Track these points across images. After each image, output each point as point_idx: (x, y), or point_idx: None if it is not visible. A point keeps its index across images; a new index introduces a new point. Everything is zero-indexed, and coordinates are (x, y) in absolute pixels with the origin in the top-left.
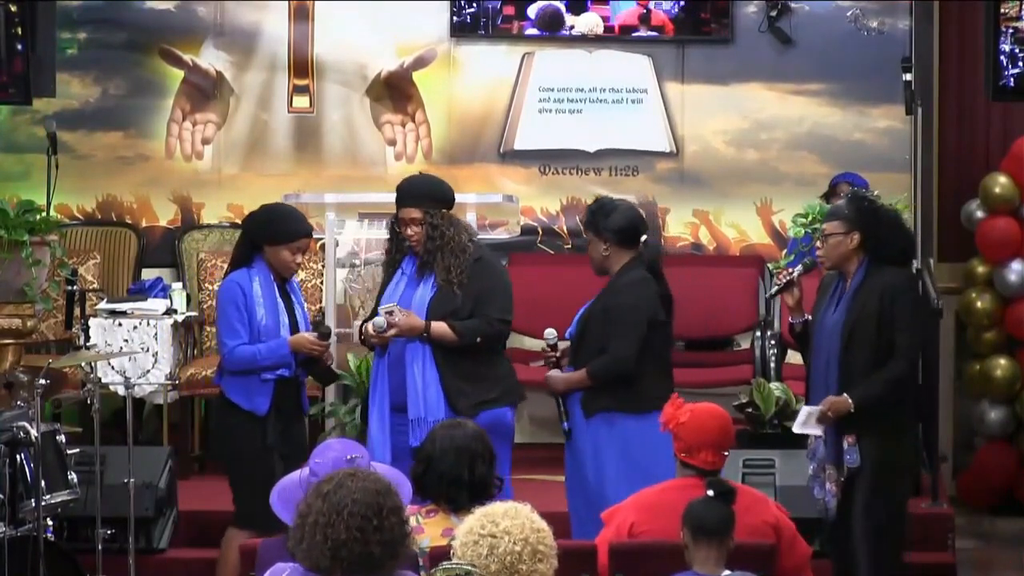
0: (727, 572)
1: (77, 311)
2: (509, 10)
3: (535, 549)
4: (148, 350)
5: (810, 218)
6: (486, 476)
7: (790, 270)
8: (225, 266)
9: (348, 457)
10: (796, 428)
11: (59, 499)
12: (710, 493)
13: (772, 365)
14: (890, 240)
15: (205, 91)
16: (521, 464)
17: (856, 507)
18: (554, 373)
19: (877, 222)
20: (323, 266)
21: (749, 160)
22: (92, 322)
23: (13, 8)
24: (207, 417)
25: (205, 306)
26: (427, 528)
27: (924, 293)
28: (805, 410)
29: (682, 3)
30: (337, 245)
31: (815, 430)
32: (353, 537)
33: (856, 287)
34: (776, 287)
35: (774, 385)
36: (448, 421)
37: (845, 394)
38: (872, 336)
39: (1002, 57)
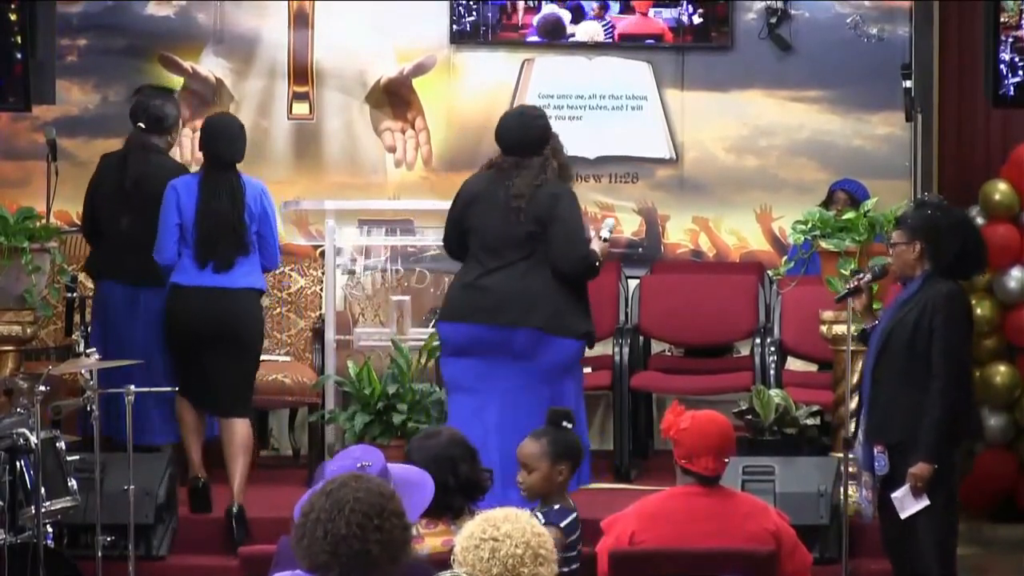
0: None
1: (77, 318)
2: (509, 19)
3: (536, 552)
4: None
5: (809, 225)
6: (471, 474)
7: (859, 276)
8: None
9: (360, 465)
10: (904, 515)
11: (59, 506)
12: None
13: (772, 372)
14: (949, 250)
15: (205, 98)
16: None
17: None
18: None
19: (937, 231)
20: (323, 273)
21: (749, 167)
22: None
23: (13, 17)
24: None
25: None
26: (427, 539)
27: (964, 308)
28: (896, 497)
29: (690, 10)
30: (339, 253)
31: (921, 502)
32: (352, 533)
33: (906, 298)
34: (844, 291)
35: (774, 392)
36: (421, 433)
37: (920, 462)
38: (904, 346)
39: (1002, 66)
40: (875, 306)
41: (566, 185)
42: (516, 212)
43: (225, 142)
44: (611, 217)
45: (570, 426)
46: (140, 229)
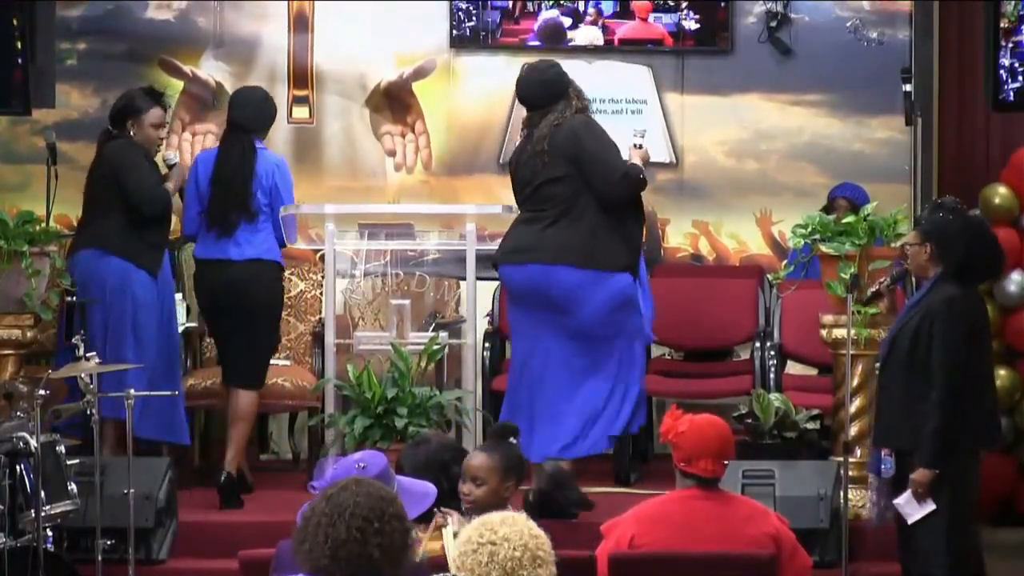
0: None
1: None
2: (509, 24)
3: (535, 555)
4: None
5: (809, 229)
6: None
7: (880, 280)
8: None
9: (358, 465)
10: (910, 520)
11: (59, 509)
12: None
13: (772, 376)
14: (956, 253)
15: (205, 102)
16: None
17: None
18: None
19: (946, 234)
20: (323, 276)
21: (749, 171)
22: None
23: (15, 22)
24: (207, 428)
25: None
26: (427, 543)
27: (962, 313)
28: (899, 504)
29: (691, 16)
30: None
31: (927, 507)
32: (353, 537)
33: (914, 302)
34: (867, 295)
35: (773, 396)
36: (411, 441)
37: (920, 468)
38: (906, 352)
39: (1002, 71)
40: None
41: (583, 116)
42: (540, 155)
43: (241, 108)
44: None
45: (515, 441)
46: (109, 203)
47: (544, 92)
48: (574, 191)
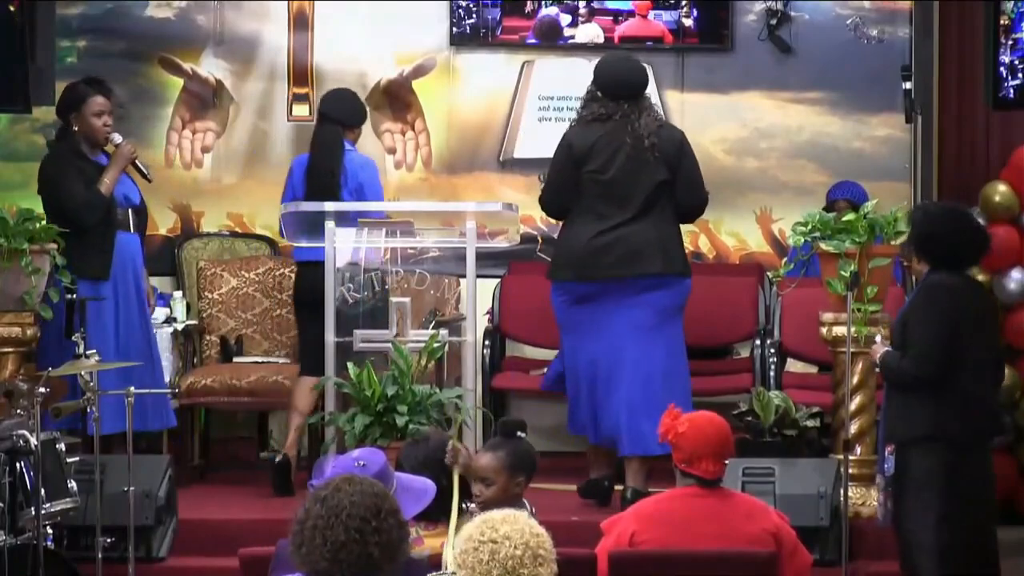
0: None
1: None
2: (509, 22)
3: (535, 553)
4: None
5: (809, 227)
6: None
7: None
8: (224, 274)
9: (357, 464)
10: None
11: (59, 507)
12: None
13: (772, 373)
14: (922, 240)
15: (205, 100)
16: None
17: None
18: None
19: (917, 231)
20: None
21: (749, 169)
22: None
23: (15, 20)
24: (207, 425)
25: (205, 315)
26: (427, 540)
27: (943, 294)
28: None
29: (694, 13)
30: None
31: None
32: (352, 538)
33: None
34: None
35: (774, 393)
36: (409, 440)
37: (888, 349)
38: (898, 346)
39: (1002, 68)
40: None
41: (677, 127)
42: (651, 150)
43: (327, 101)
44: None
45: (523, 435)
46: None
47: (643, 79)
48: (668, 197)
